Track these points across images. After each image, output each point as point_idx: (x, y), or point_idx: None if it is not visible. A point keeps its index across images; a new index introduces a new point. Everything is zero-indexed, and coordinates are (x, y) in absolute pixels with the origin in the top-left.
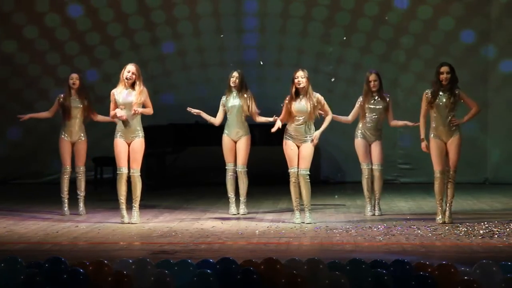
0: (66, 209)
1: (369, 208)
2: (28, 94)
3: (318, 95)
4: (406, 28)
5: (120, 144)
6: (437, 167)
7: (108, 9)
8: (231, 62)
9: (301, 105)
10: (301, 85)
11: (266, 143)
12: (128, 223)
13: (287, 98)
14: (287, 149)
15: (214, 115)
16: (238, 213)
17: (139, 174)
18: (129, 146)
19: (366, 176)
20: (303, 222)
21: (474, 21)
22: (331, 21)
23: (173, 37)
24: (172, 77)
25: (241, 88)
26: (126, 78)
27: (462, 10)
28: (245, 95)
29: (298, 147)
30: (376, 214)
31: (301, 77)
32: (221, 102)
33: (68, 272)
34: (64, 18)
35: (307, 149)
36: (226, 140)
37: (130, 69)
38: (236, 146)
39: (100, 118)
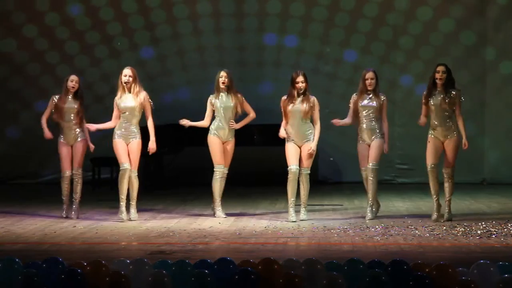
0: (65, 211)
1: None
2: (28, 93)
3: (315, 99)
4: (405, 29)
5: (119, 143)
6: (429, 161)
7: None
8: (229, 62)
9: (298, 105)
10: (302, 90)
11: (264, 143)
12: (128, 220)
13: (284, 98)
14: (288, 148)
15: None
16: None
17: (136, 174)
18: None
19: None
20: (299, 220)
21: (473, 22)
22: (331, 22)
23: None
24: (170, 77)
25: (231, 87)
26: (125, 83)
27: (461, 12)
28: (238, 96)
29: (300, 146)
30: (369, 217)
31: (301, 82)
32: (209, 101)
33: (66, 272)
34: (64, 17)
35: (308, 149)
36: (215, 141)
37: (126, 73)
38: (223, 147)
39: (84, 127)
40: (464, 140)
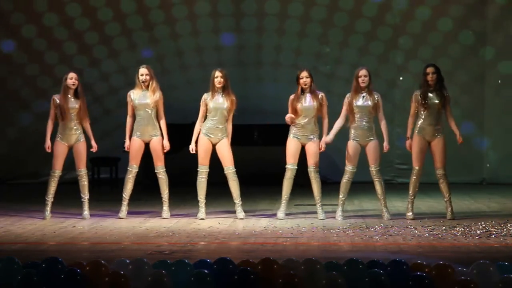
0: (47, 213)
1: (340, 212)
2: (26, 93)
3: (323, 94)
4: (404, 29)
5: (136, 142)
6: (416, 164)
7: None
8: (228, 62)
9: (307, 103)
10: (307, 85)
11: (264, 143)
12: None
13: (292, 97)
14: (289, 145)
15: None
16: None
17: (164, 170)
18: (148, 144)
19: (346, 179)
20: (317, 218)
21: (472, 22)
22: (329, 22)
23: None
24: (170, 76)
25: (226, 88)
26: (143, 82)
27: (460, 11)
28: (232, 98)
29: (303, 144)
30: (385, 218)
31: (305, 77)
32: (203, 101)
33: (65, 272)
34: (62, 18)
35: (314, 146)
36: (204, 141)
37: (143, 72)
38: (217, 148)
39: (88, 128)
40: (458, 137)
